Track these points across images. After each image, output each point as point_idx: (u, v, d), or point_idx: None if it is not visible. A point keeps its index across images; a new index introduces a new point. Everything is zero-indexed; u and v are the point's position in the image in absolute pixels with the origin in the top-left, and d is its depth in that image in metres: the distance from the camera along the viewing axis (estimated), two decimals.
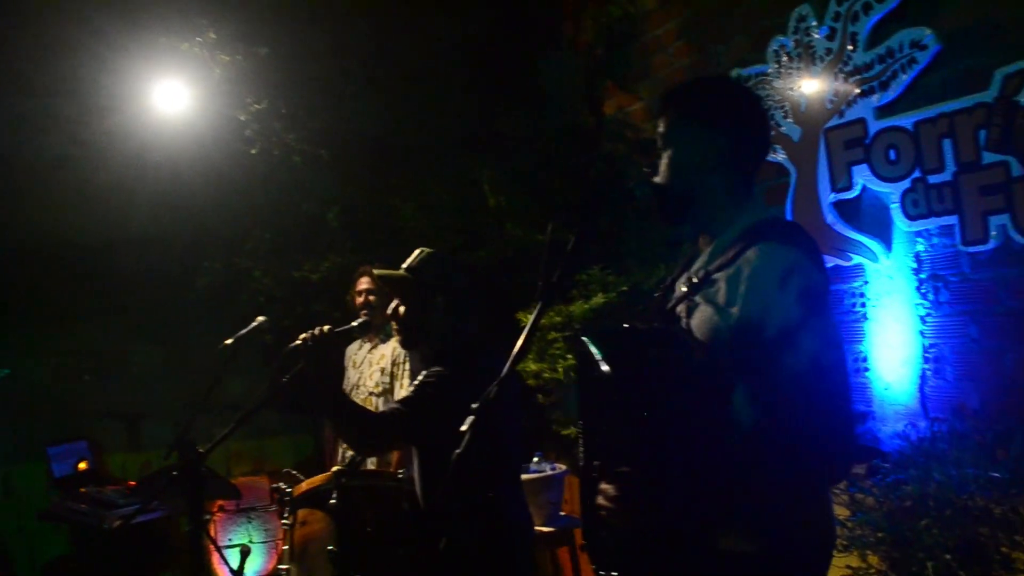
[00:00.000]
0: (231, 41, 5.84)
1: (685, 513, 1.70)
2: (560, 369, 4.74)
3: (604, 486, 1.75)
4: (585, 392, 1.94)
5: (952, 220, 3.59)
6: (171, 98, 5.75)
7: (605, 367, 1.73)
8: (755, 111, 2.03)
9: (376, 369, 4.69)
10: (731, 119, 1.99)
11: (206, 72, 5.82)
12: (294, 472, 3.52)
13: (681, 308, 1.92)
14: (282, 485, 3.32)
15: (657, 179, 1.99)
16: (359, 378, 4.77)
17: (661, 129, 2.02)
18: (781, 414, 1.71)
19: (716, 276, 1.87)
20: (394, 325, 2.98)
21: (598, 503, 1.74)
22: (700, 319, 1.85)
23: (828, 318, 1.84)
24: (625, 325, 2.06)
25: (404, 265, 3.00)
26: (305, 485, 3.10)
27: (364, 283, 4.73)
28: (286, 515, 3.15)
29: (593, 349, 1.77)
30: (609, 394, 1.78)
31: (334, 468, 3.07)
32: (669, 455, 1.70)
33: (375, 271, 3.04)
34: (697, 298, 1.89)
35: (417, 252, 3.04)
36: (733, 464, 1.71)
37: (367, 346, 4.85)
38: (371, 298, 4.69)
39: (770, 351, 1.73)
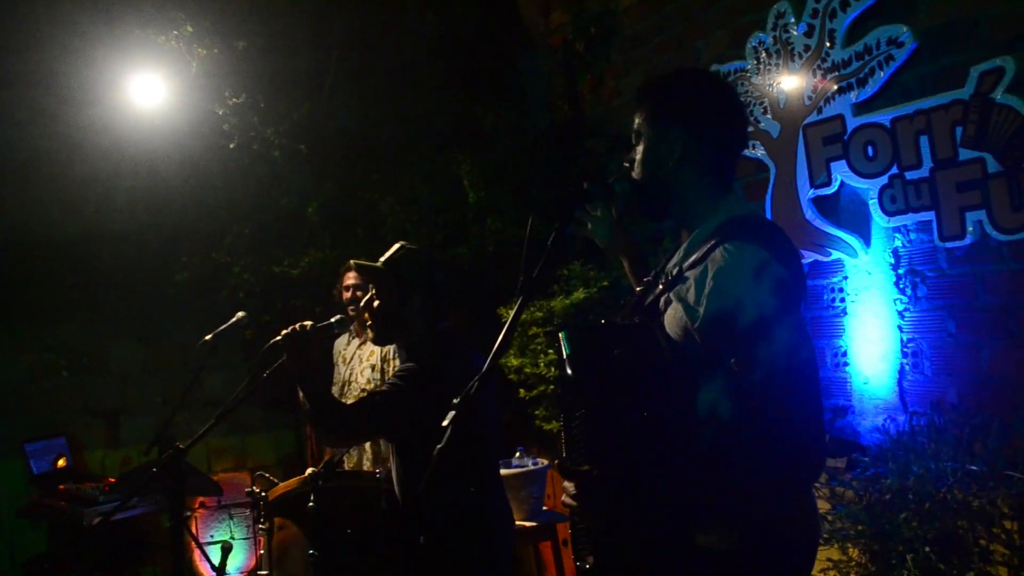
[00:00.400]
0: (208, 34, 5.79)
1: (660, 511, 1.71)
2: (542, 364, 4.75)
3: (565, 483, 1.76)
4: (561, 387, 1.94)
5: (929, 216, 3.62)
6: (148, 92, 5.69)
7: (568, 368, 1.75)
8: (729, 105, 2.02)
9: (367, 366, 4.66)
10: (704, 113, 1.98)
11: (183, 66, 5.77)
12: (267, 475, 3.50)
13: (661, 304, 1.93)
14: (255, 488, 3.29)
15: (634, 174, 1.99)
16: (350, 374, 4.74)
17: (635, 124, 2.02)
18: (753, 411, 1.72)
19: (688, 273, 1.88)
20: (367, 318, 2.96)
21: (562, 500, 1.76)
22: (671, 316, 1.85)
23: (796, 316, 1.81)
24: (602, 321, 2.07)
25: (382, 258, 2.99)
26: (281, 488, 3.07)
27: (351, 278, 4.68)
28: (262, 520, 3.12)
29: (564, 347, 1.78)
30: (575, 391, 1.79)
31: (308, 471, 3.04)
32: (635, 452, 1.71)
33: (353, 262, 3.03)
34: (671, 295, 1.89)
35: (396, 246, 3.03)
36: (707, 460, 1.72)
37: (356, 342, 4.82)
38: (358, 293, 4.63)
39: (738, 349, 1.73)
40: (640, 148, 1.98)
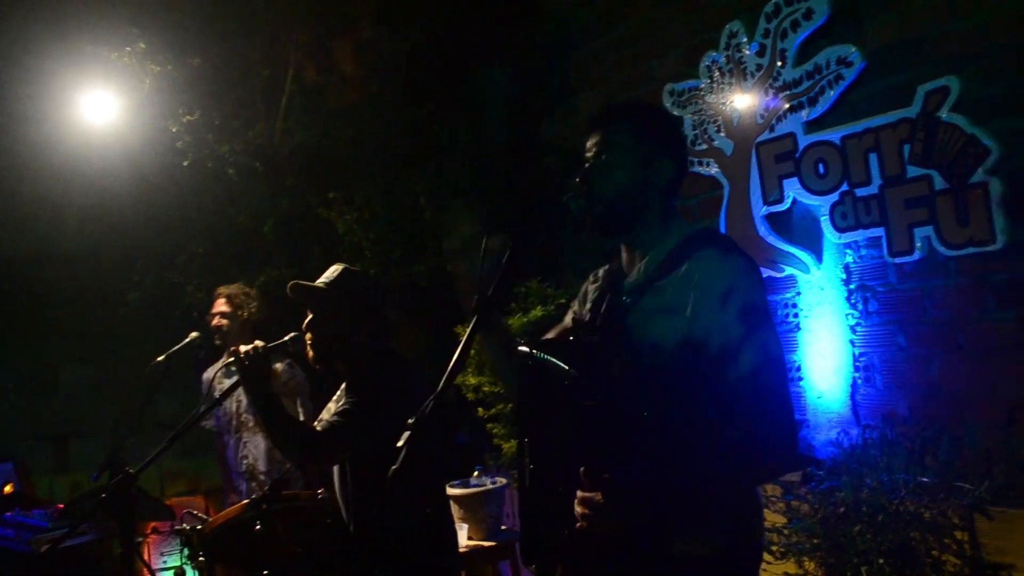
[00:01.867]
0: (162, 51, 5.73)
1: (643, 519, 1.71)
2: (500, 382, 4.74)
3: (586, 494, 1.72)
4: (534, 404, 1.93)
5: (879, 232, 3.69)
6: (99, 108, 5.60)
7: (567, 371, 1.75)
8: (684, 138, 2.13)
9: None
10: (676, 145, 2.07)
11: (136, 82, 5.69)
12: (195, 512, 3.42)
13: (620, 321, 1.93)
14: (186, 526, 3.21)
15: (600, 190, 1.99)
16: (238, 406, 4.51)
17: (598, 144, 2.03)
18: (747, 403, 1.77)
19: (661, 284, 1.90)
20: (308, 340, 2.91)
21: (578, 511, 1.71)
22: (652, 326, 1.87)
23: (772, 316, 1.90)
24: (571, 338, 2.07)
25: (321, 280, 2.95)
26: (221, 517, 2.99)
27: (220, 305, 4.40)
28: (199, 555, 3.02)
29: (554, 360, 1.77)
30: (569, 402, 1.78)
31: (244, 501, 2.97)
32: (636, 461, 1.73)
33: (292, 283, 2.95)
34: (638, 307, 1.91)
35: (333, 268, 2.99)
36: (690, 469, 1.74)
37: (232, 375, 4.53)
38: (223, 322, 4.35)
39: (728, 353, 1.78)
40: (611, 170, 2.00)
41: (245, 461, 4.31)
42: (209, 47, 5.92)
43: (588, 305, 2.16)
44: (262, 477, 4.27)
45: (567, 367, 1.76)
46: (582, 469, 1.67)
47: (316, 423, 2.87)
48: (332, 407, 2.90)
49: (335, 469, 2.87)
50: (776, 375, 1.80)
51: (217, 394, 4.39)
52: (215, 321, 4.34)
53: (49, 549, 4.58)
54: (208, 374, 4.59)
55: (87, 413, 6.50)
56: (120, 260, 6.15)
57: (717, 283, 1.82)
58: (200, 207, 6.11)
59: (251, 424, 4.31)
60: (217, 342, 4.33)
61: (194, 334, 4.20)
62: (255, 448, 4.30)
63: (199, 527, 3.02)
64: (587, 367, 1.76)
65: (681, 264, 1.89)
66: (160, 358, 3.87)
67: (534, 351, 1.86)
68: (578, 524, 1.70)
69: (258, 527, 2.80)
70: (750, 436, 1.76)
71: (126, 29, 5.61)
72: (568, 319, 2.29)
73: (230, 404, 4.40)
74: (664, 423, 1.75)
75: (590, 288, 2.21)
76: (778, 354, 1.82)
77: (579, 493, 1.71)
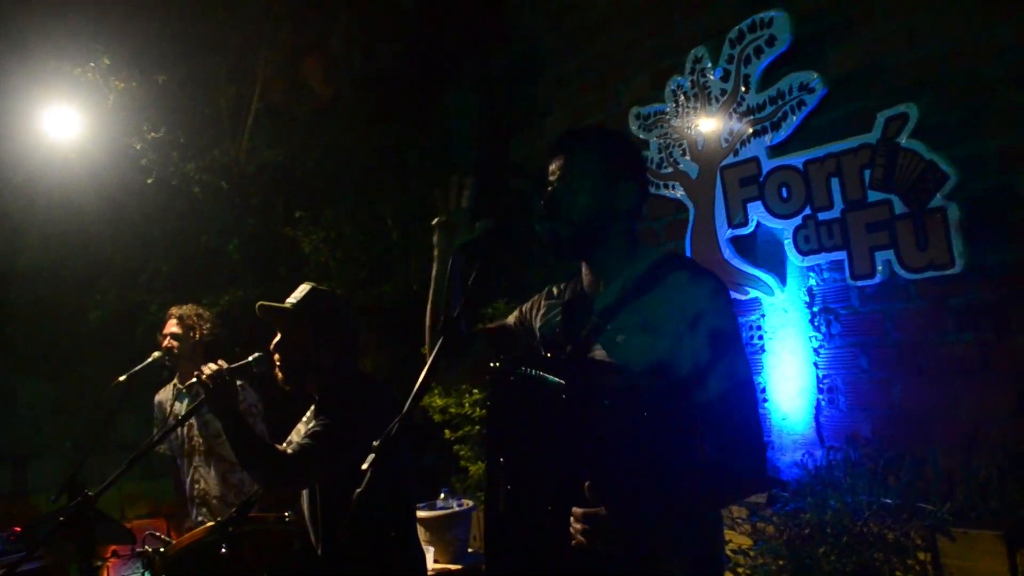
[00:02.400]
0: (127, 67, 5.67)
1: (642, 536, 1.71)
2: (467, 404, 4.72)
3: (588, 509, 1.69)
4: (510, 422, 1.92)
5: (841, 255, 3.75)
6: (62, 124, 5.52)
7: (561, 385, 1.74)
8: (645, 162, 2.17)
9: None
10: (638, 169, 2.11)
11: (100, 98, 5.62)
12: (158, 534, 3.36)
13: (591, 342, 1.93)
14: (148, 548, 3.16)
15: (565, 214, 2.00)
16: (190, 430, 4.41)
17: (561, 168, 2.05)
18: (713, 439, 1.80)
19: (635, 305, 1.91)
20: (277, 361, 2.88)
21: (577, 528, 1.68)
22: (629, 347, 1.87)
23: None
24: (547, 355, 2.07)
25: (289, 299, 2.92)
26: (185, 540, 2.94)
27: (169, 326, 4.29)
28: None
29: (549, 377, 1.76)
30: (565, 422, 1.76)
31: (209, 524, 2.93)
32: (629, 478, 1.73)
33: (261, 303, 2.92)
34: (610, 328, 1.92)
35: (304, 287, 2.97)
36: (672, 487, 1.75)
37: (186, 398, 4.47)
38: (174, 343, 4.22)
39: (706, 374, 1.80)
40: (576, 191, 2.00)
41: (197, 486, 4.21)
42: (175, 64, 5.87)
43: (542, 322, 2.17)
44: (214, 502, 4.19)
45: (561, 381, 1.75)
46: (587, 484, 1.66)
47: (286, 445, 2.84)
48: (302, 428, 2.87)
49: (304, 491, 2.84)
50: (750, 396, 1.84)
51: (170, 416, 4.34)
52: (166, 342, 4.23)
53: (5, 574, 4.48)
54: (160, 396, 4.52)
55: (46, 433, 6.38)
56: (82, 278, 6.06)
57: (698, 304, 1.85)
58: (165, 225, 6.05)
59: (203, 448, 4.24)
60: (167, 363, 4.24)
61: (157, 353, 4.14)
62: (207, 473, 4.21)
63: (162, 550, 2.97)
64: (571, 385, 1.75)
65: (653, 286, 1.92)
66: (122, 378, 3.82)
67: (522, 367, 1.85)
68: (575, 542, 1.68)
69: (224, 550, 2.76)
70: (726, 457, 1.79)
71: (90, 44, 5.54)
72: (511, 320, 2.30)
73: (182, 428, 4.30)
74: (647, 441, 1.77)
75: (543, 302, 2.22)
76: (751, 376, 1.86)
77: (577, 510, 1.69)
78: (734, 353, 1.84)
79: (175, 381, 4.40)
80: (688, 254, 4.36)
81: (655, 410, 1.79)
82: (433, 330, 2.27)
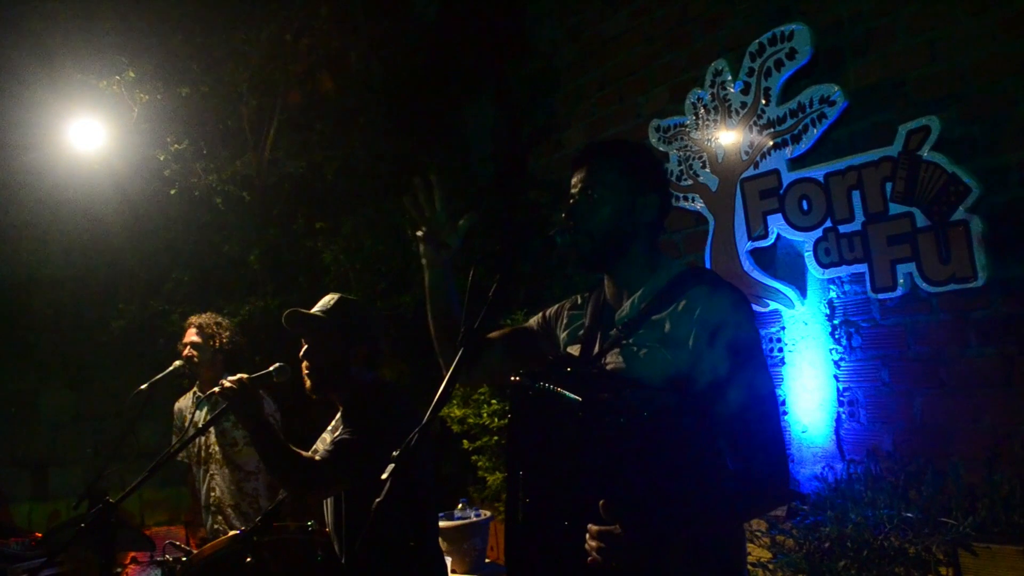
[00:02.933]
0: (151, 80, 5.75)
1: (658, 554, 1.70)
2: (485, 414, 4.73)
3: (602, 527, 1.67)
4: (529, 436, 1.92)
5: (862, 268, 3.73)
6: (87, 136, 5.61)
7: (578, 402, 1.73)
8: (668, 174, 2.17)
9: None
10: (660, 181, 2.10)
11: (124, 111, 5.70)
12: (178, 543, 3.38)
13: (612, 355, 1.93)
14: (169, 557, 3.17)
15: (585, 225, 2.00)
16: (207, 439, 4.44)
17: (584, 180, 2.05)
18: (738, 453, 1.79)
19: (657, 319, 1.91)
20: (304, 370, 2.89)
21: (592, 545, 1.68)
22: (650, 361, 1.87)
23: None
24: (567, 370, 2.05)
25: (317, 309, 2.94)
26: (208, 549, 2.95)
27: (189, 335, 4.31)
28: None
29: (567, 394, 1.76)
30: (579, 434, 1.75)
31: (233, 533, 2.94)
32: (647, 495, 1.72)
33: (289, 311, 2.94)
34: (632, 341, 1.92)
35: (330, 297, 2.98)
36: (694, 503, 1.74)
37: (206, 406, 4.40)
38: (194, 352, 4.24)
39: (730, 387, 1.79)
40: (599, 203, 2.01)
41: (212, 494, 4.24)
42: (198, 76, 5.95)
43: (564, 332, 2.17)
44: (229, 511, 4.21)
45: (578, 398, 1.73)
46: (602, 502, 1.65)
47: (312, 452, 2.85)
48: (327, 437, 2.89)
49: (328, 500, 2.85)
50: (771, 409, 1.84)
51: (189, 424, 4.37)
52: (186, 351, 4.27)
53: None
54: (180, 404, 4.56)
55: (67, 441, 6.44)
56: (105, 287, 6.13)
57: (719, 317, 1.84)
58: (187, 236, 6.11)
59: (219, 457, 4.26)
60: (187, 372, 4.26)
61: (178, 362, 4.18)
62: (222, 481, 4.23)
63: (184, 559, 2.99)
64: (588, 402, 1.74)
65: (676, 300, 1.91)
66: (143, 386, 3.84)
67: (540, 382, 1.85)
68: (590, 559, 1.68)
69: (249, 560, 2.76)
70: (748, 471, 1.79)
71: (115, 57, 5.63)
72: (533, 323, 2.31)
73: (199, 437, 4.34)
74: (665, 458, 1.75)
75: (567, 312, 2.22)
76: (772, 389, 1.86)
77: (592, 527, 1.69)
78: (755, 366, 1.83)
79: (195, 389, 4.43)
80: (708, 266, 4.36)
81: (673, 427, 1.78)
82: (440, 340, 2.29)
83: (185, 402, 4.50)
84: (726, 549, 1.88)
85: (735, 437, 1.80)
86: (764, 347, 1.89)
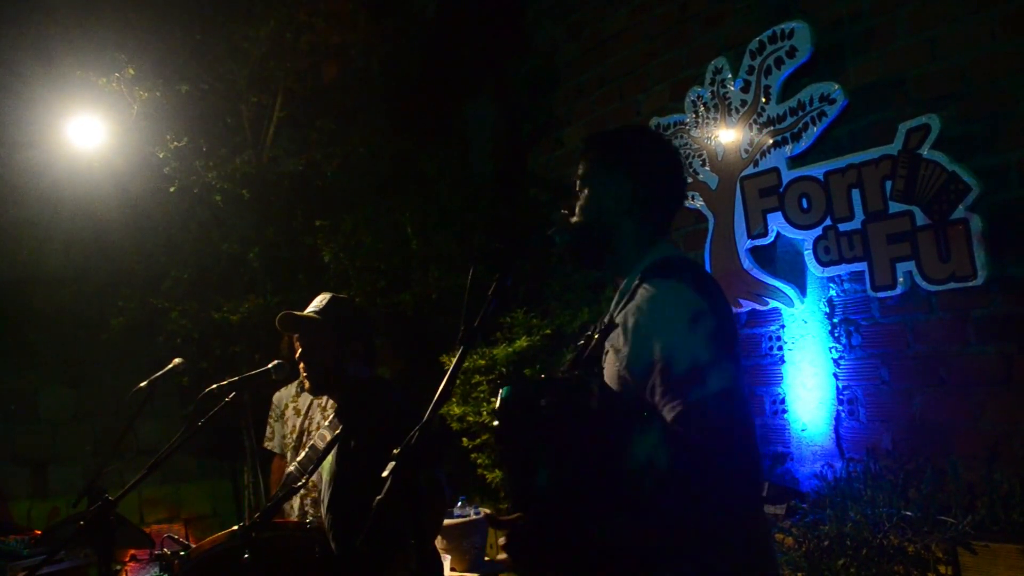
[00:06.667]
0: (150, 77, 5.74)
1: (601, 560, 1.68)
2: (484, 412, 4.73)
3: (510, 518, 1.68)
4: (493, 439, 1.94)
5: (862, 267, 3.73)
6: (87, 133, 5.60)
7: (495, 420, 1.72)
8: (668, 161, 2.03)
9: (331, 413, 4.42)
10: (645, 166, 2.00)
11: (124, 108, 5.69)
12: (176, 537, 3.38)
13: (600, 354, 1.93)
14: (166, 551, 3.17)
15: (574, 219, 2.01)
16: (308, 424, 4.50)
17: (580, 172, 2.05)
18: (681, 458, 1.66)
19: (617, 320, 1.87)
20: (302, 370, 2.90)
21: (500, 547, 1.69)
22: (607, 365, 1.85)
23: (718, 342, 1.73)
24: (542, 376, 2.05)
25: (310, 309, 2.95)
26: (206, 544, 2.95)
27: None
28: None
29: (498, 401, 1.75)
30: (501, 443, 1.77)
31: (232, 528, 2.94)
32: (565, 503, 1.66)
33: (283, 313, 2.93)
34: (606, 344, 1.90)
35: (321, 296, 2.99)
36: (652, 509, 1.69)
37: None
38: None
39: (662, 390, 1.71)
40: (584, 194, 2.00)
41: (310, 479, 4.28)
42: (198, 74, 5.94)
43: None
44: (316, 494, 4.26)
45: (496, 410, 1.73)
46: (504, 493, 1.67)
47: (311, 452, 2.88)
48: (327, 434, 2.90)
49: (325, 495, 2.85)
50: (716, 410, 1.67)
51: (293, 413, 4.37)
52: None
53: None
54: (280, 393, 4.55)
55: (67, 438, 6.43)
56: (105, 285, 6.12)
57: (644, 316, 1.76)
58: (186, 233, 6.11)
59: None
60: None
61: (177, 360, 4.16)
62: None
63: (182, 553, 2.99)
64: (564, 403, 1.71)
65: (634, 296, 1.84)
66: (142, 384, 3.84)
67: (500, 390, 1.84)
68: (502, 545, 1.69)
69: (246, 556, 2.77)
70: (690, 477, 1.65)
71: (114, 55, 5.62)
72: None
73: (299, 420, 4.38)
74: (576, 452, 1.68)
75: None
76: (722, 388, 1.68)
77: (506, 517, 1.70)
78: (693, 365, 1.67)
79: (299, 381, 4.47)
80: (707, 265, 4.36)
81: (581, 423, 1.69)
82: None
83: (288, 391, 4.51)
84: (720, 549, 1.74)
85: (678, 440, 1.67)
86: (712, 346, 1.72)
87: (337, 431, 2.78)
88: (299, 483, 2.94)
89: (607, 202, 1.97)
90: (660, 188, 2.02)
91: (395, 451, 1.71)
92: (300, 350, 2.90)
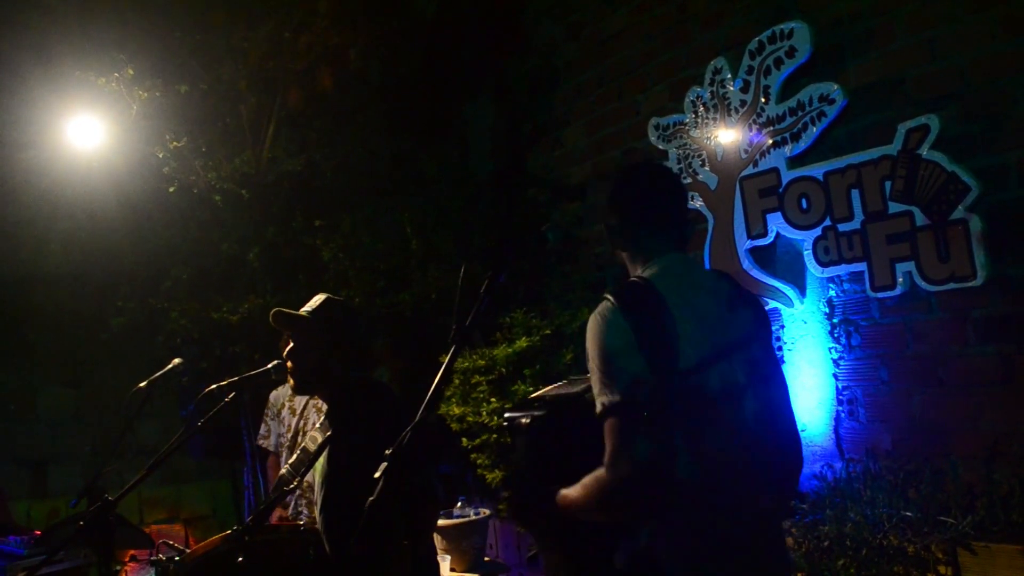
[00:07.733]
0: (150, 77, 5.73)
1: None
2: (484, 412, 4.72)
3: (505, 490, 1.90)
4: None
5: (861, 267, 3.72)
6: (86, 133, 5.59)
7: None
8: (644, 190, 2.18)
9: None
10: (620, 203, 2.15)
11: (123, 108, 5.69)
12: (172, 542, 3.38)
13: None
14: (162, 556, 3.17)
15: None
16: (303, 424, 4.51)
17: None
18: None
19: None
20: (289, 368, 2.91)
21: None
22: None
23: (622, 360, 1.86)
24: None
25: (304, 308, 2.95)
26: (200, 548, 2.95)
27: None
28: None
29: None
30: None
31: (225, 532, 2.94)
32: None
33: (275, 311, 2.94)
34: None
35: (318, 297, 3.00)
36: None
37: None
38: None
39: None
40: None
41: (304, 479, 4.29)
42: (197, 74, 5.94)
43: None
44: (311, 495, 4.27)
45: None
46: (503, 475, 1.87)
47: (303, 454, 2.87)
48: (317, 436, 2.89)
49: (318, 497, 2.85)
50: (613, 418, 1.82)
51: (288, 413, 4.45)
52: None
53: None
54: (277, 392, 4.56)
55: (66, 438, 6.43)
56: (104, 285, 6.12)
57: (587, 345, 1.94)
58: (186, 233, 6.10)
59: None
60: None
61: (176, 360, 4.16)
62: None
63: (177, 558, 2.99)
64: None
65: None
66: (142, 384, 3.84)
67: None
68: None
69: (240, 560, 2.77)
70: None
71: (114, 55, 5.61)
72: None
73: (294, 420, 4.38)
74: (540, 453, 2.11)
75: None
76: (611, 403, 1.83)
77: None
78: (596, 380, 1.87)
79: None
80: (707, 264, 4.35)
81: (544, 432, 2.07)
82: None
83: (285, 390, 4.52)
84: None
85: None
86: (605, 360, 1.88)
87: (328, 433, 2.77)
88: (291, 485, 2.94)
89: (611, 236, 2.17)
90: (636, 216, 2.16)
91: (387, 452, 1.71)
92: (289, 348, 2.91)
